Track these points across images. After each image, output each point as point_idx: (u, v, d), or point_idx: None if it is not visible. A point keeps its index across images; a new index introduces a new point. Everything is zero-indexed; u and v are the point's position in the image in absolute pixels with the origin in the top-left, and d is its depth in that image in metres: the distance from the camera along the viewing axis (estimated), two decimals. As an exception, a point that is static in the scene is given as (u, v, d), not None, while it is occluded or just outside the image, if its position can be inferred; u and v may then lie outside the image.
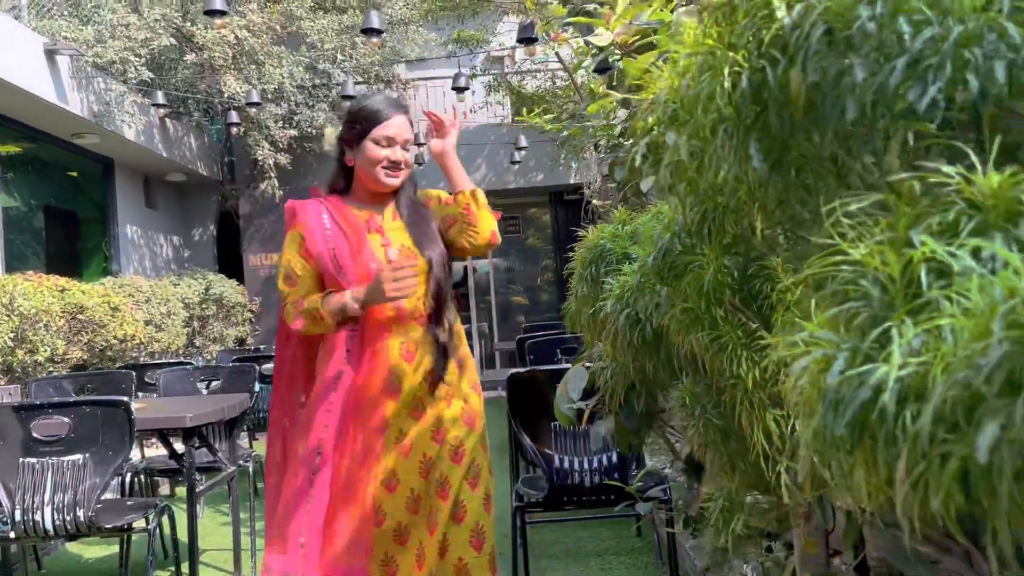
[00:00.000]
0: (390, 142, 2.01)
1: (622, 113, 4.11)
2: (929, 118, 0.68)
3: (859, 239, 0.64)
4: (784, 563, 1.84)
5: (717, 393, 1.22)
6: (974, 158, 0.60)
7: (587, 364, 2.05)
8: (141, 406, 3.07)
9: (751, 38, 0.76)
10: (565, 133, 5.72)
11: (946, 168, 0.59)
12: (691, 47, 0.94)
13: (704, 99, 0.81)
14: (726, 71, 0.75)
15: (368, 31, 4.35)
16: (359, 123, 2.03)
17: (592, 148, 5.42)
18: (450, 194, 2.12)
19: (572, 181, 8.37)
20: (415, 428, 1.96)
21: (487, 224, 2.07)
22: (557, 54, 6.34)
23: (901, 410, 0.54)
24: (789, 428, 1.04)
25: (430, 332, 2.00)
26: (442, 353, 1.99)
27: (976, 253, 0.55)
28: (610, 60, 4.05)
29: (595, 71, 4.02)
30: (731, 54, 0.78)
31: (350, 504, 1.91)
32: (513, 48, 8.05)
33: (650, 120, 1.06)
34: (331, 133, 7.31)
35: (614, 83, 3.89)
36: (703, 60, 0.84)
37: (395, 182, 2.05)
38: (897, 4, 0.66)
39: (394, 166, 2.03)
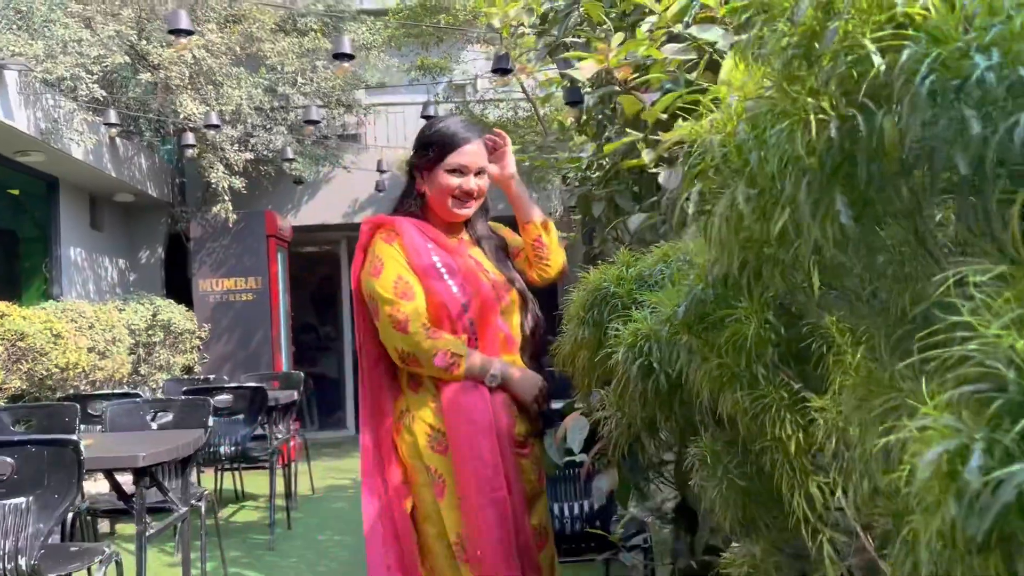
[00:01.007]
0: (463, 170, 1.92)
1: (589, 148, 4.08)
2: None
3: (977, 311, 0.58)
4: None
5: (744, 453, 1.15)
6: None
7: (577, 405, 1.97)
8: (89, 442, 2.89)
9: (837, 84, 0.70)
10: (528, 164, 5.69)
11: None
12: (745, 92, 0.87)
13: (776, 145, 0.74)
14: (813, 118, 0.69)
15: (339, 56, 4.26)
16: (432, 149, 1.93)
17: (561, 180, 5.39)
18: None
19: (532, 211, 8.36)
20: (524, 461, 1.90)
21: (558, 257, 2.02)
22: (522, 85, 6.32)
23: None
24: (834, 497, 0.97)
25: (529, 363, 1.96)
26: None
27: None
28: (581, 93, 4.02)
29: (567, 103, 3.99)
30: (811, 100, 0.72)
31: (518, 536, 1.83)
32: (476, 77, 8.04)
33: (676, 177, 1.00)
34: (401, 157, 7.16)
35: (583, 116, 3.87)
36: (771, 104, 0.77)
37: (467, 212, 1.96)
38: (1013, 53, 0.60)
39: (466, 196, 1.93)
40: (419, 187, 1.96)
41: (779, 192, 0.78)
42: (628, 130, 1.78)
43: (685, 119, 1.64)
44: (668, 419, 1.35)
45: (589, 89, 3.78)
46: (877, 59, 0.65)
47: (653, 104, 1.65)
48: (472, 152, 1.93)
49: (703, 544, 1.76)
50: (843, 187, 0.71)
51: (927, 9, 0.64)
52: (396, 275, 1.84)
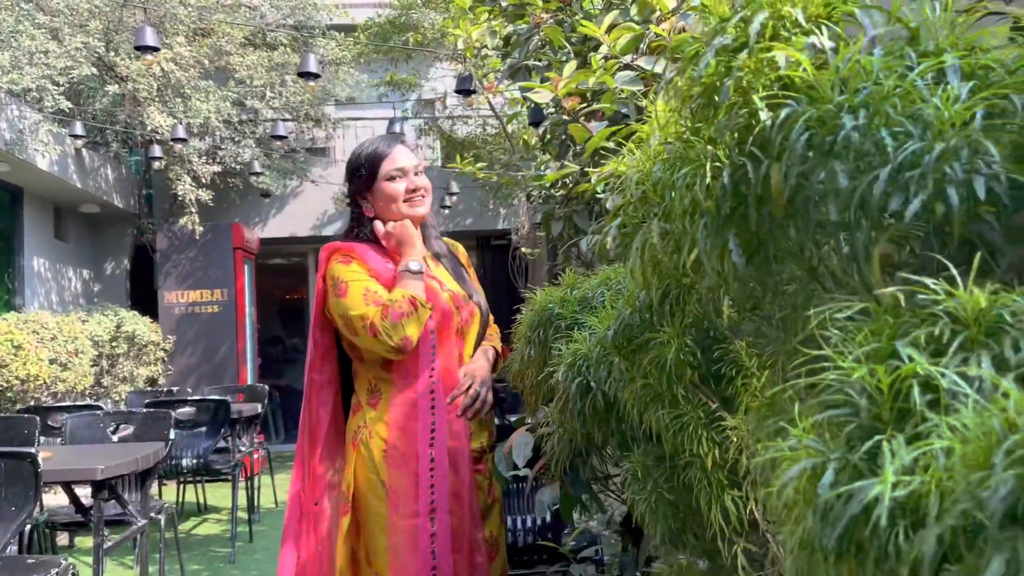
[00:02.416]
0: (402, 172, 1.95)
1: (553, 166, 4.16)
2: (904, 226, 0.70)
3: (841, 344, 0.65)
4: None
5: (671, 468, 1.22)
6: (954, 271, 0.62)
7: (527, 421, 2.03)
8: (47, 455, 2.90)
9: (731, 135, 0.77)
10: (495, 180, 5.76)
11: (930, 282, 0.60)
12: (664, 134, 0.95)
13: (681, 188, 0.81)
14: (708, 165, 0.76)
15: (305, 75, 4.30)
16: (363, 169, 1.96)
17: (525, 196, 5.47)
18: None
19: (500, 227, 8.43)
20: (479, 476, 1.95)
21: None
22: (490, 103, 6.41)
23: (892, 528, 0.55)
24: (747, 510, 1.04)
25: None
26: (498, 402, 2.03)
27: (962, 371, 0.57)
28: (544, 114, 4.10)
29: (530, 123, 4.07)
30: (710, 148, 0.79)
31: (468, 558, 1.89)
32: (444, 93, 8.12)
33: (619, 201, 1.07)
34: (339, 195, 7.19)
35: (547, 135, 3.95)
36: (679, 149, 0.84)
37: (422, 211, 1.98)
38: (878, 115, 0.68)
39: (414, 192, 1.96)
40: (367, 212, 1.99)
41: (688, 229, 0.85)
42: (566, 162, 1.85)
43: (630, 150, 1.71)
44: (606, 435, 1.42)
45: (553, 109, 3.87)
46: (764, 114, 0.73)
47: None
48: (403, 154, 1.97)
49: (645, 556, 1.83)
50: (738, 228, 0.78)
51: (807, 71, 0.71)
52: (363, 289, 1.87)
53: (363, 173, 1.96)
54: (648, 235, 0.91)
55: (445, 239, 2.17)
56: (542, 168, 4.78)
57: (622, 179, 1.01)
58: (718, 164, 0.77)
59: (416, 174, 1.98)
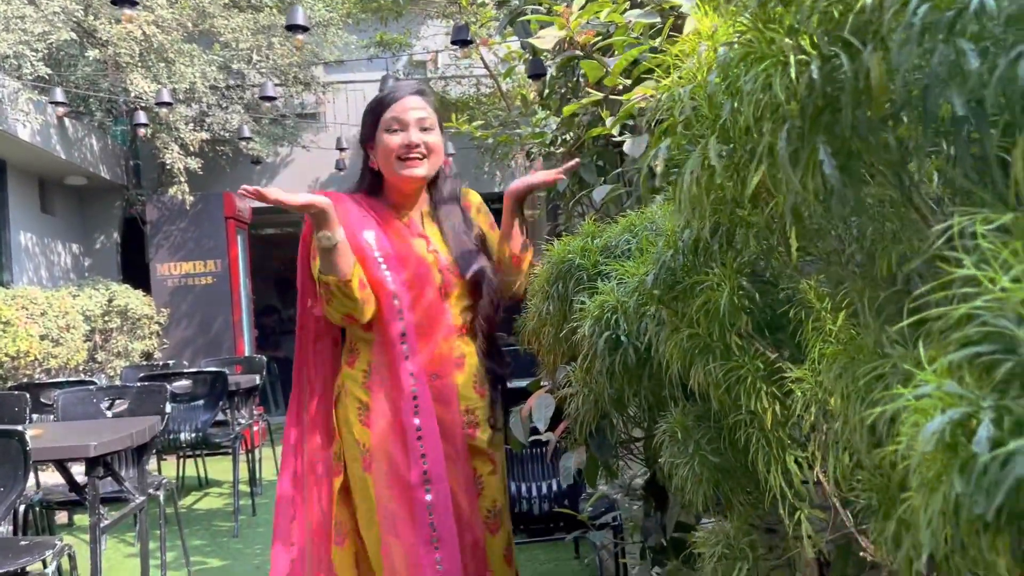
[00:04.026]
0: (401, 124, 1.77)
1: (552, 122, 4.02)
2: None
3: (979, 266, 0.52)
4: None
5: (716, 427, 1.10)
6: None
7: (544, 384, 1.91)
8: (38, 432, 2.78)
9: (818, 21, 0.63)
10: (491, 141, 5.60)
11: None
12: (718, 37, 0.81)
13: (754, 91, 0.68)
14: (792, 59, 0.62)
15: (292, 27, 4.11)
16: (369, 115, 1.82)
17: (525, 156, 5.31)
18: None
19: (497, 189, 8.26)
20: (474, 443, 1.85)
21: (522, 285, 1.88)
22: (483, 59, 6.22)
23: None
24: (815, 472, 0.92)
25: (481, 360, 1.87)
26: (497, 382, 1.90)
27: None
28: (544, 66, 3.94)
29: (530, 76, 3.92)
30: (789, 41, 0.66)
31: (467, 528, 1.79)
32: (436, 52, 7.90)
33: (641, 144, 0.94)
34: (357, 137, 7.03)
35: (545, 89, 3.80)
36: (749, 49, 0.71)
37: (417, 171, 1.79)
38: (1012, -20, 0.55)
39: (408, 149, 1.77)
40: (372, 164, 1.85)
41: (754, 146, 0.72)
42: (590, 90, 1.71)
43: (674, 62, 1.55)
44: (636, 394, 1.30)
45: (552, 57, 3.70)
46: (862, -10, 0.59)
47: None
48: (406, 105, 1.79)
49: (674, 521, 1.72)
50: (825, 136, 0.65)
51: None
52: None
53: (369, 121, 1.82)
54: (704, 154, 0.78)
55: (465, 190, 2.01)
56: (541, 124, 4.63)
57: (665, 97, 0.87)
58: (803, 57, 0.63)
59: (423, 129, 1.80)
